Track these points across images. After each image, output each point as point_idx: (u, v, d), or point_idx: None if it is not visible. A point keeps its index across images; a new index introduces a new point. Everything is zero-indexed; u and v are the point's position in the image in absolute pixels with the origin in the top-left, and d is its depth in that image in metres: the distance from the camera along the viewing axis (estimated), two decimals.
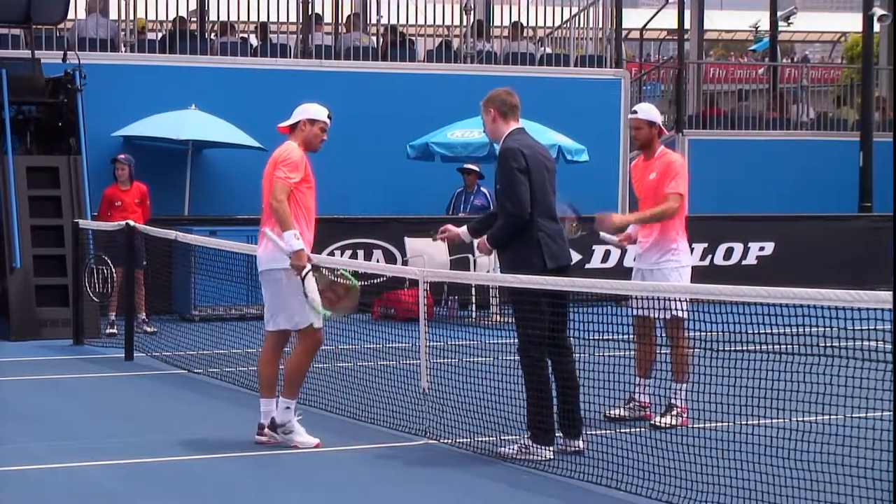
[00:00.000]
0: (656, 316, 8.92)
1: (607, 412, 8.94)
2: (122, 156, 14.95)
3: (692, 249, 18.22)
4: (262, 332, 8.80)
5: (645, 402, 9.33)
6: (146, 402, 10.58)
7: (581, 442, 8.16)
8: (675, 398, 9.09)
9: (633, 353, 9.25)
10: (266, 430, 8.53)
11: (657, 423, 8.93)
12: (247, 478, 7.74)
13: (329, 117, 8.65)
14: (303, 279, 8.25)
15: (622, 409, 9.18)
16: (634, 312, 9.12)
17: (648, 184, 9.49)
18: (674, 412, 9.04)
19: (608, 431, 8.41)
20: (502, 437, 8.37)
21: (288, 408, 8.48)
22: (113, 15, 18.62)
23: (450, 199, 17.85)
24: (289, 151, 8.48)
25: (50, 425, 9.49)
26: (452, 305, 16.13)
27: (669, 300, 8.47)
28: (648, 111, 9.61)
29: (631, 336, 9.11)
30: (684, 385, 8.98)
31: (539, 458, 8.00)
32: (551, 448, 8.07)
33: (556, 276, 7.95)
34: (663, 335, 9.25)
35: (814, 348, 6.75)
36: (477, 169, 17.11)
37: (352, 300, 8.60)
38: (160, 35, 19.46)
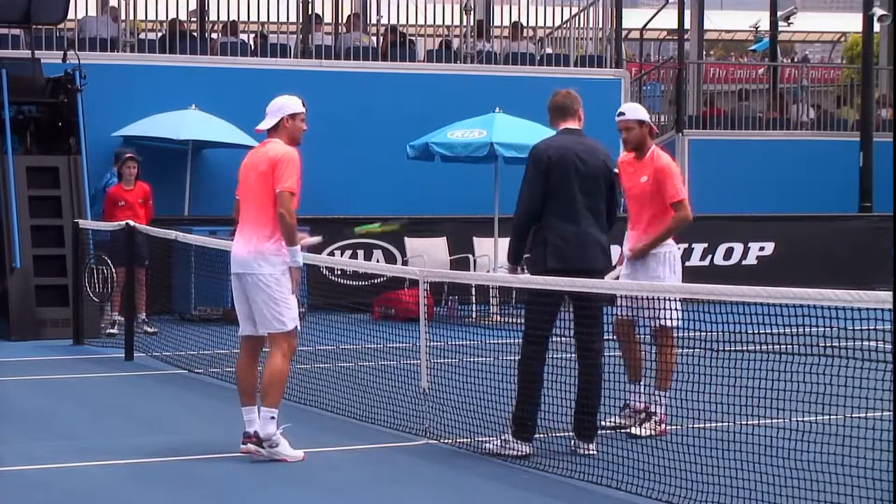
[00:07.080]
0: (641, 316, 8.63)
1: (603, 421, 8.54)
2: (130, 154, 14.96)
3: (692, 250, 18.33)
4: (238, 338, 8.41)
5: (639, 408, 8.92)
6: (146, 402, 10.57)
7: (594, 445, 8.09)
8: (657, 405, 8.73)
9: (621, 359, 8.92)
10: (251, 443, 8.10)
11: (635, 433, 8.59)
12: (247, 478, 7.73)
13: (304, 104, 8.30)
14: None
15: (617, 417, 8.84)
16: (620, 313, 8.75)
17: (640, 186, 9.13)
18: (653, 420, 8.70)
19: (608, 431, 8.39)
20: (496, 435, 8.33)
21: (272, 418, 8.03)
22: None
23: None
24: (292, 155, 8.06)
25: (50, 425, 9.48)
26: (452, 305, 16.12)
27: (657, 308, 8.31)
28: (636, 110, 9.24)
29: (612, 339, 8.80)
30: (666, 393, 8.64)
31: (514, 452, 7.99)
32: (529, 444, 8.04)
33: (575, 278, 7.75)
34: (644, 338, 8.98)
35: (814, 348, 6.75)
36: None
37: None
38: (160, 35, 19.46)
